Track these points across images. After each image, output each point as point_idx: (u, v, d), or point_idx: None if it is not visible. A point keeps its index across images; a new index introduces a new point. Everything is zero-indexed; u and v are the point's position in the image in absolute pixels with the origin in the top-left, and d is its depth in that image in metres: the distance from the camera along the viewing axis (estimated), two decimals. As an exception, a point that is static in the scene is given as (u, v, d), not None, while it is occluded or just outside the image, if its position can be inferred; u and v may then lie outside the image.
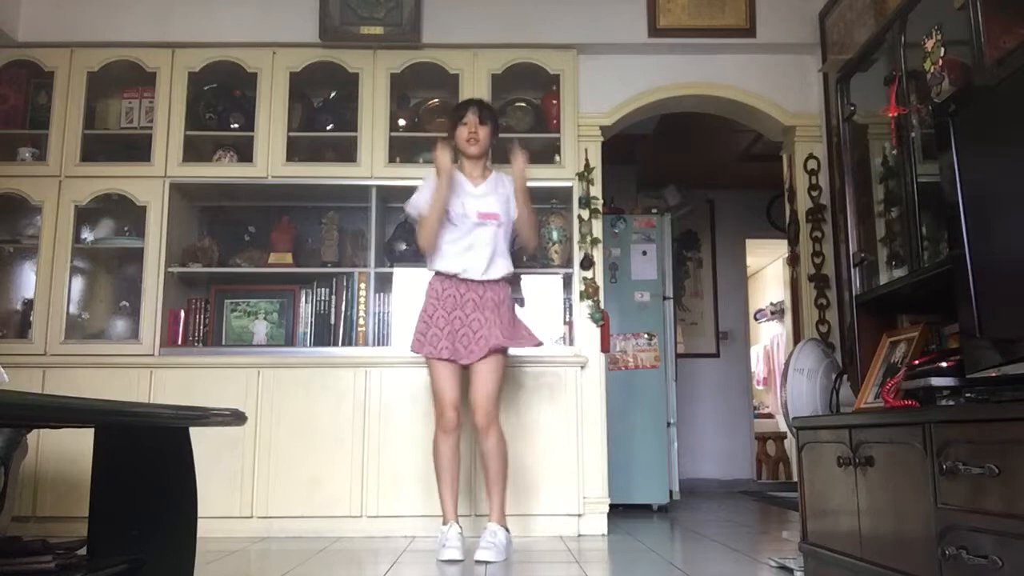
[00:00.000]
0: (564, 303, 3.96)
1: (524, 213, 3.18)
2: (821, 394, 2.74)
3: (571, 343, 3.86)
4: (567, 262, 3.93)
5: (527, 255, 3.35)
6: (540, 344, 3.23)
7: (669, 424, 4.78)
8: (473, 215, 3.14)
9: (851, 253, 2.64)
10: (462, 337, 3.07)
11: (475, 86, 3.92)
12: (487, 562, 2.85)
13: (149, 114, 3.98)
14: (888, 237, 2.47)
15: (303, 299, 3.98)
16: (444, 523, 3.03)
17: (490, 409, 3.07)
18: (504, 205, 3.19)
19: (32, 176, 3.85)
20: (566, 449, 3.65)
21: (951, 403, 1.90)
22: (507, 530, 3.04)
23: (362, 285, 3.85)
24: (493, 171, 3.29)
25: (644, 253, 4.84)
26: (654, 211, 4.98)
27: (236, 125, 4.00)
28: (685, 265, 6.78)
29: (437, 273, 3.16)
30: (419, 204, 3.17)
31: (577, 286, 3.86)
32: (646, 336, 4.78)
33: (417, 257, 4.05)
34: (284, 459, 3.61)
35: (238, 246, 4.11)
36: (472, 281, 3.11)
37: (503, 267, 3.17)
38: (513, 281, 3.35)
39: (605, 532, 3.64)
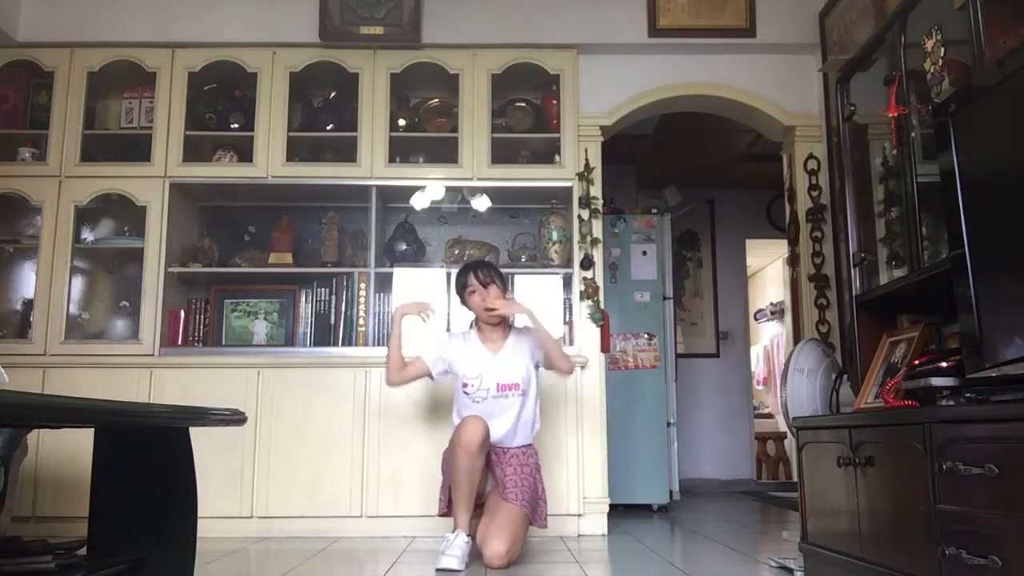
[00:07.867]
0: (564, 303, 3.96)
1: (550, 353, 3.03)
2: (821, 394, 2.74)
3: (571, 343, 3.85)
4: (567, 262, 3.93)
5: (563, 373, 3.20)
6: (544, 527, 3.03)
7: (669, 424, 4.78)
8: (492, 387, 2.99)
9: (851, 253, 2.64)
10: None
11: (475, 86, 3.93)
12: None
13: (149, 114, 3.98)
14: (888, 237, 2.48)
15: (303, 299, 3.98)
16: (453, 529, 2.82)
17: (512, 546, 2.73)
18: (526, 370, 3.04)
19: (32, 176, 3.85)
20: (566, 449, 3.65)
21: (951, 403, 1.90)
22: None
23: (362, 285, 3.85)
24: (512, 332, 3.13)
25: (644, 253, 4.84)
26: (654, 211, 4.98)
27: (236, 125, 4.00)
28: (685, 265, 6.77)
29: None
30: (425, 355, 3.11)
31: (577, 286, 3.86)
32: (646, 336, 4.78)
33: (417, 257, 4.07)
34: (284, 459, 3.61)
35: (238, 246, 4.12)
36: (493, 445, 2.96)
37: (526, 434, 3.06)
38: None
39: (605, 532, 3.64)
